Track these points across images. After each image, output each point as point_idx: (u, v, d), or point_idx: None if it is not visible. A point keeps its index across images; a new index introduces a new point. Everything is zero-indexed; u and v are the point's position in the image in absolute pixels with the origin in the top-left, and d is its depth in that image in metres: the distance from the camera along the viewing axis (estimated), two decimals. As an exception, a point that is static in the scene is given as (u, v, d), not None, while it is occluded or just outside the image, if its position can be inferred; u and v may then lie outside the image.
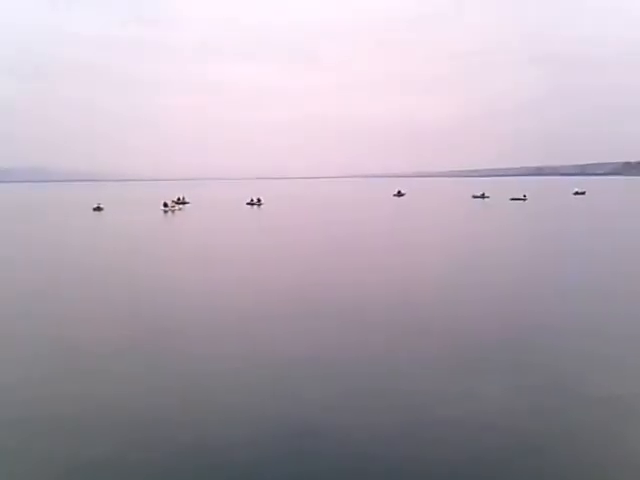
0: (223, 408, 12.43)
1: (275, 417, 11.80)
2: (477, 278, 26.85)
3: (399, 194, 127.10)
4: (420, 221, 62.77)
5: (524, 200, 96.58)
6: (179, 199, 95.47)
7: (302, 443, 10.72)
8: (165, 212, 78.06)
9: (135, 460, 10.24)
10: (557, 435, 10.89)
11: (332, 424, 11.46)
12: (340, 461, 10.10)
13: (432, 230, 52.17)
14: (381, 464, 9.98)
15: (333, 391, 13.15)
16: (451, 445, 10.57)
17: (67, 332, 18.27)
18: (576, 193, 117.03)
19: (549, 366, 14.52)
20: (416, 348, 16.21)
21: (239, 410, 12.25)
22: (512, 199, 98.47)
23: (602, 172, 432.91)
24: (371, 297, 23.07)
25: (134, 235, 50.64)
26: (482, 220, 64.43)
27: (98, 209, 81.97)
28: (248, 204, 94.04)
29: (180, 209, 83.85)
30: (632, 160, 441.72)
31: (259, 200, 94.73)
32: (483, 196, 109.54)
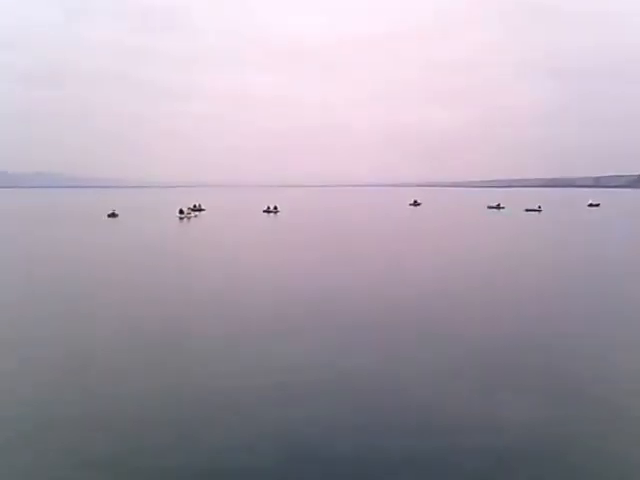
0: (226, 414, 12.39)
1: (277, 423, 11.82)
2: (492, 287, 27.13)
3: (415, 204, 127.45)
4: (434, 231, 62.83)
5: (539, 211, 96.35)
6: (195, 206, 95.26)
7: (302, 447, 10.85)
8: (181, 219, 77.55)
9: (134, 461, 10.35)
10: (562, 440, 11.08)
11: (334, 432, 11.46)
12: (341, 467, 10.16)
13: (445, 240, 51.98)
14: (387, 470, 10.07)
15: (340, 399, 13.16)
16: (458, 451, 10.67)
17: (80, 335, 18.69)
18: (590, 205, 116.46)
19: (567, 375, 14.73)
20: (428, 356, 16.26)
21: (240, 417, 12.20)
22: (527, 210, 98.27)
23: (616, 184, 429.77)
24: (391, 305, 23.28)
25: (151, 242, 50.02)
26: (498, 230, 64.40)
27: (113, 215, 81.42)
28: (264, 212, 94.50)
29: (196, 216, 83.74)
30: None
31: (275, 208, 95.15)
32: (498, 207, 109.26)
